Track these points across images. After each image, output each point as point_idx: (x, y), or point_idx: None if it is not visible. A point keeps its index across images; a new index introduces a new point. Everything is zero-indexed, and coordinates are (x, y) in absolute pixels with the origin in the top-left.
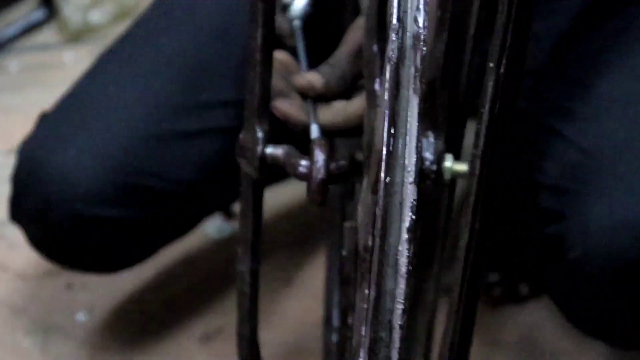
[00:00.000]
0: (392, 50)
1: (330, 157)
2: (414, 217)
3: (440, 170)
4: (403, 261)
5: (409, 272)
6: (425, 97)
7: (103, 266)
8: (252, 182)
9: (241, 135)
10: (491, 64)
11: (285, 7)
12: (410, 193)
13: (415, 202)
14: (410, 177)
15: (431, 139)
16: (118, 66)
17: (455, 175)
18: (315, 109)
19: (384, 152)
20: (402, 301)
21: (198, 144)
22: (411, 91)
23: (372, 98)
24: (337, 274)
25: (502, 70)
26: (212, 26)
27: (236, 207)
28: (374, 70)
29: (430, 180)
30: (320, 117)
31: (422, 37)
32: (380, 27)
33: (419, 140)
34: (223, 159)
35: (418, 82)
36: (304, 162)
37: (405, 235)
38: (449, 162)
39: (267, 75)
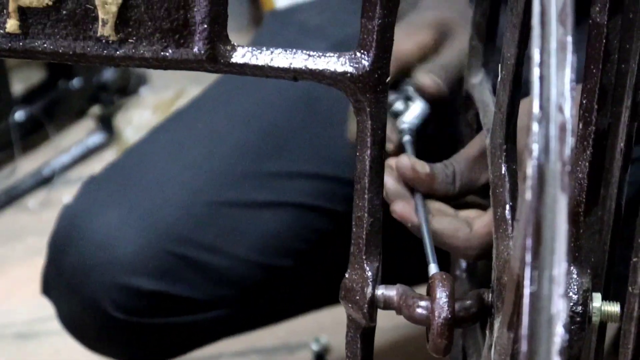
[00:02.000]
0: (534, 143)
1: (454, 295)
2: (565, 336)
3: (587, 312)
4: None
5: None
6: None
7: (139, 354)
8: (361, 329)
9: (346, 275)
10: None
11: (396, 115)
12: (560, 308)
13: (567, 320)
14: (559, 289)
15: (574, 275)
16: (182, 127)
17: (607, 318)
18: (424, 206)
19: (528, 257)
20: None
21: (264, 218)
22: (558, 190)
23: (503, 228)
24: None
25: None
26: (295, 90)
27: (330, 358)
28: (503, 195)
29: (575, 324)
30: (434, 224)
31: (568, 127)
32: (508, 145)
33: (570, 244)
34: (293, 240)
35: (566, 179)
36: (423, 303)
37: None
38: (597, 302)
39: (377, 203)
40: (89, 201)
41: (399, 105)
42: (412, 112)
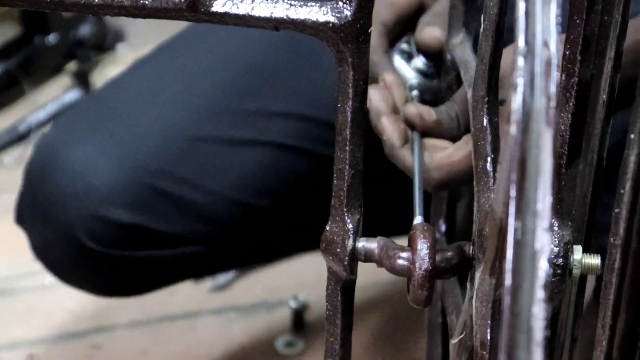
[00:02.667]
0: (519, 77)
1: (435, 246)
2: (550, 270)
3: (567, 264)
4: (538, 325)
5: (546, 340)
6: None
7: (112, 286)
8: (342, 282)
9: (327, 227)
10: (632, 135)
11: (409, 56)
12: (544, 243)
13: (550, 254)
14: (544, 223)
15: (555, 227)
16: (163, 61)
17: (587, 271)
18: (420, 144)
19: (513, 191)
20: None
21: (243, 156)
22: (543, 125)
23: (484, 180)
24: None
25: None
26: None
27: (309, 316)
28: (484, 147)
29: (556, 276)
30: (425, 157)
31: (554, 62)
32: (490, 97)
33: (554, 177)
34: (272, 179)
35: (552, 114)
36: (404, 254)
37: (540, 294)
38: (578, 255)
39: (358, 155)
40: (66, 131)
41: (400, 62)
42: (416, 67)
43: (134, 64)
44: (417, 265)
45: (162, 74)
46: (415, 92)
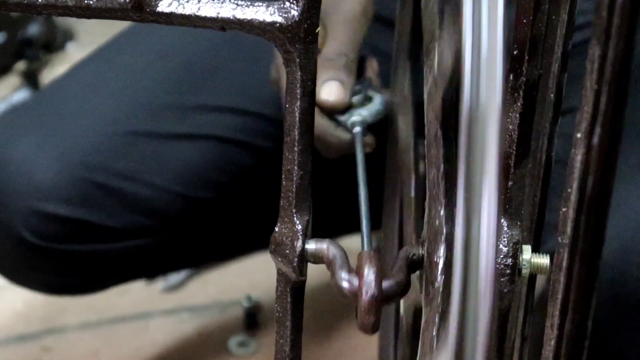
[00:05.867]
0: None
1: (381, 273)
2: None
3: (516, 264)
4: None
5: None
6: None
7: (60, 283)
8: (291, 284)
9: (276, 229)
10: (579, 135)
11: (349, 106)
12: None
13: (500, 254)
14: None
15: (505, 227)
16: (104, 60)
17: (536, 270)
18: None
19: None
20: None
21: (184, 149)
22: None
23: (435, 191)
24: None
25: (595, 140)
26: None
27: (261, 315)
28: (437, 157)
29: (505, 276)
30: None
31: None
32: (445, 110)
33: (500, 196)
34: (214, 171)
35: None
36: (350, 277)
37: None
38: (527, 254)
39: (307, 156)
40: (5, 129)
41: (356, 100)
42: (369, 108)
43: (76, 63)
44: (364, 291)
45: (104, 72)
46: (358, 129)
